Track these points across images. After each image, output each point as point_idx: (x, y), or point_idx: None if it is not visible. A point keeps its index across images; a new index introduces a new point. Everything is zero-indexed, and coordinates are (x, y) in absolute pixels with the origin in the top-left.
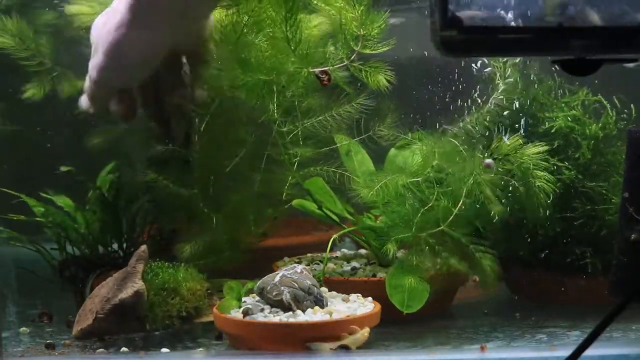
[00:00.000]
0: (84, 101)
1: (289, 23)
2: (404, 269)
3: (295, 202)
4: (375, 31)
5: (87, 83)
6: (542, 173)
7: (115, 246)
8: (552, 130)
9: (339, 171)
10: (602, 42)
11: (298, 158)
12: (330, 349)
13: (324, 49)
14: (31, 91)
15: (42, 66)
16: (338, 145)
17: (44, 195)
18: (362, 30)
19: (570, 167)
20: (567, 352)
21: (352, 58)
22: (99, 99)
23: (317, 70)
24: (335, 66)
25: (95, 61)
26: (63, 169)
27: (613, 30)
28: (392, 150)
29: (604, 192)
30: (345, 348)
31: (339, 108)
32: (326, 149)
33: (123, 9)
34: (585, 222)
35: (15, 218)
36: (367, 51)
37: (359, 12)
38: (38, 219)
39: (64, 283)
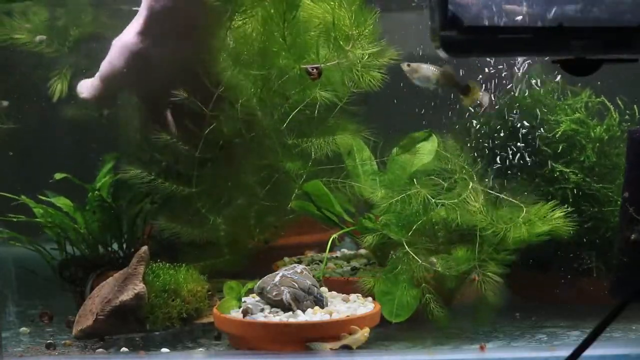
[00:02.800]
0: (84, 88)
1: (286, 20)
2: (394, 275)
3: (295, 203)
4: (367, 31)
5: (96, 76)
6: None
7: (115, 246)
8: (557, 135)
9: (347, 182)
10: (602, 42)
11: (304, 171)
12: (331, 348)
13: (316, 47)
14: (56, 86)
15: (59, 52)
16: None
17: (43, 198)
18: (353, 31)
19: (575, 170)
20: (567, 352)
21: (342, 57)
22: (101, 92)
23: (307, 66)
24: (327, 64)
25: (107, 59)
26: (57, 176)
27: (613, 30)
28: (396, 150)
29: (610, 194)
30: (348, 348)
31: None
32: (331, 166)
33: (140, 20)
34: (592, 225)
35: (15, 219)
36: (358, 51)
37: (351, 11)
38: (38, 219)
39: (64, 283)
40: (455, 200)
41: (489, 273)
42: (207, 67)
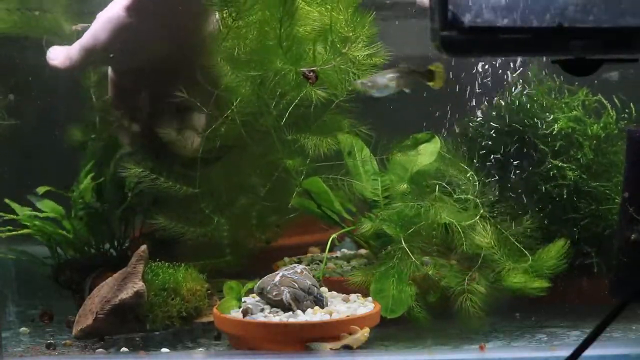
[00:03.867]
0: (56, 55)
1: (283, 25)
2: (389, 272)
3: (295, 200)
4: (364, 33)
5: (74, 45)
6: None
7: (107, 246)
8: (554, 132)
9: (345, 179)
10: (602, 42)
11: (303, 168)
12: (331, 348)
13: (313, 49)
14: None
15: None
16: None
17: (28, 210)
18: (350, 33)
19: (573, 167)
20: (567, 352)
21: (339, 59)
22: (76, 63)
23: (304, 69)
24: (323, 67)
25: (89, 31)
26: (40, 190)
27: (613, 30)
28: (397, 150)
29: (607, 192)
30: (349, 348)
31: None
32: (331, 163)
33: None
34: (589, 222)
35: (3, 235)
36: (355, 53)
37: (347, 13)
38: (26, 230)
39: (61, 288)
40: (464, 223)
41: (475, 292)
42: (203, 63)
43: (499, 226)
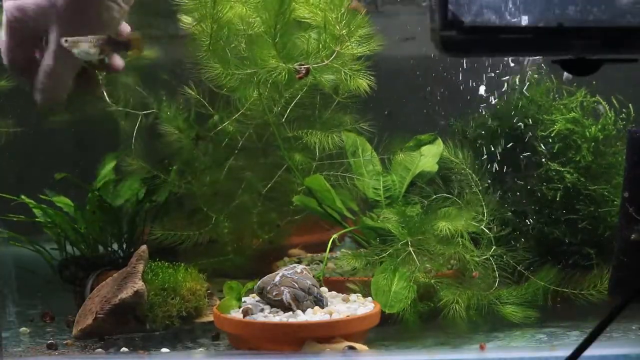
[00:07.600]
0: None
1: (278, 23)
2: (391, 269)
3: (296, 198)
4: (359, 32)
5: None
6: None
7: (115, 246)
8: (552, 134)
9: (346, 175)
10: (602, 42)
11: (305, 166)
12: (332, 348)
13: (307, 48)
14: None
15: None
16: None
17: (44, 197)
18: (342, 31)
19: (571, 170)
20: (567, 352)
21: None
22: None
23: (296, 65)
24: (315, 65)
25: None
26: (57, 176)
27: (613, 30)
28: (400, 151)
29: (606, 194)
30: (352, 349)
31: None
32: (332, 161)
33: None
34: (588, 225)
35: (15, 219)
36: (349, 52)
37: (339, 11)
38: (37, 219)
39: (64, 283)
40: (476, 259)
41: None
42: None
43: (504, 257)
